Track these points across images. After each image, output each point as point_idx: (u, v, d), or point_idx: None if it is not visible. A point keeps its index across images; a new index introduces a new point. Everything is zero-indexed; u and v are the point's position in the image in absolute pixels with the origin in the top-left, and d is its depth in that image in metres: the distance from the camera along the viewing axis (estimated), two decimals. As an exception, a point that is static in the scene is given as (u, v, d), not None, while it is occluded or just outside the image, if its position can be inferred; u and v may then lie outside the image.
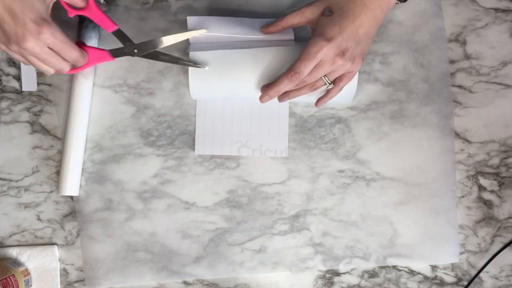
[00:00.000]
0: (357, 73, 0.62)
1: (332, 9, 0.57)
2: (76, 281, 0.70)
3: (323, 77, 0.59)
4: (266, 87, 0.61)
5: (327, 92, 0.62)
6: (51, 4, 0.57)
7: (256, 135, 0.69)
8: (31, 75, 0.70)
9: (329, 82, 0.60)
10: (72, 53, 0.58)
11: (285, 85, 0.59)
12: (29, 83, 0.70)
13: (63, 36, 0.56)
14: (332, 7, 0.58)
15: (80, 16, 0.67)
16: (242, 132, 0.69)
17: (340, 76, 0.60)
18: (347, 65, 0.58)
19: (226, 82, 0.63)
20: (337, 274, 0.70)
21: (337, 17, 0.57)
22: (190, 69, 0.63)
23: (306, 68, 0.57)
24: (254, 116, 0.69)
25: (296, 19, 0.60)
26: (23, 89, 0.70)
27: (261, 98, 0.61)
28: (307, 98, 0.65)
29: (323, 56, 0.56)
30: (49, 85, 0.70)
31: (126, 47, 0.63)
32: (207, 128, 0.69)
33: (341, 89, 0.62)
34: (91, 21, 0.67)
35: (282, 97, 0.62)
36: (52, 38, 0.54)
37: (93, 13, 0.60)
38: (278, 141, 0.69)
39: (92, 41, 0.67)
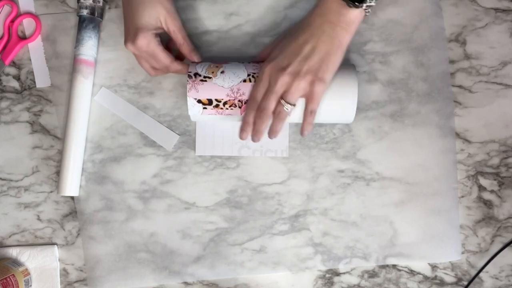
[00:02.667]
0: (356, 93, 0.61)
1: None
2: (76, 281, 0.70)
3: (281, 100, 0.60)
4: (242, 125, 0.63)
5: (304, 118, 0.62)
6: (161, 25, 0.63)
7: None
8: (44, 71, 0.70)
9: (286, 103, 0.60)
10: (160, 62, 0.64)
11: (250, 115, 0.61)
12: (42, 80, 0.70)
13: (156, 47, 0.63)
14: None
15: (80, 16, 0.67)
16: None
17: (307, 100, 0.60)
18: (299, 82, 0.59)
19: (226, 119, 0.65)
20: (337, 274, 0.70)
21: (281, 42, 0.63)
22: (190, 110, 0.63)
23: (258, 93, 0.61)
24: None
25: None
26: (37, 86, 0.70)
27: (240, 135, 0.63)
28: (344, 120, 0.64)
29: (268, 76, 0.60)
30: (50, 85, 0.70)
31: None
32: (208, 129, 0.69)
33: (314, 114, 0.61)
34: (91, 21, 0.67)
35: (269, 135, 0.63)
36: (144, 47, 0.62)
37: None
38: (278, 141, 0.69)
39: (92, 41, 0.68)
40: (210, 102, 0.62)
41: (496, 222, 0.69)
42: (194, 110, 0.63)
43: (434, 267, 0.69)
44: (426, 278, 0.69)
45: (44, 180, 0.70)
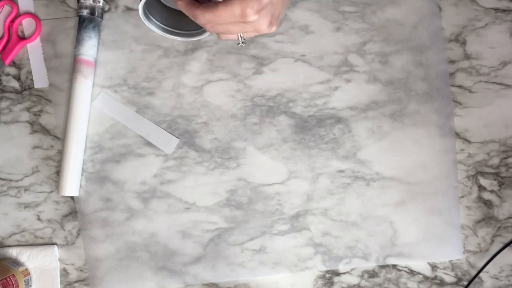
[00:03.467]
0: None
1: None
2: (76, 281, 0.70)
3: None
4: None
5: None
6: None
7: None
8: (42, 72, 0.70)
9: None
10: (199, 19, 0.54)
11: (202, 19, 0.52)
12: (40, 80, 0.70)
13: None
14: None
15: (80, 16, 0.67)
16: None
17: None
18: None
19: None
20: (337, 274, 0.70)
21: None
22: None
23: (222, 19, 0.52)
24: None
25: None
26: (35, 86, 0.70)
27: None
28: None
29: (251, 16, 0.51)
30: (50, 85, 0.70)
31: None
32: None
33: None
34: (91, 21, 0.67)
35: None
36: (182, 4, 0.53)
37: None
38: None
39: (92, 41, 0.68)
40: None
41: (496, 222, 0.69)
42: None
43: (434, 267, 0.69)
44: (426, 278, 0.69)
45: (44, 180, 0.70)
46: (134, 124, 0.69)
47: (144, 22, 0.60)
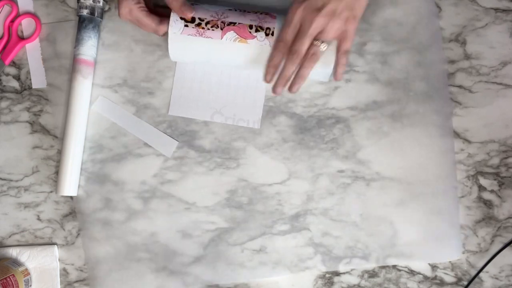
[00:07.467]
0: (334, 52, 0.60)
1: None
2: (76, 281, 0.70)
3: (314, 41, 0.59)
4: (268, 68, 0.61)
5: (338, 60, 0.60)
6: None
7: (231, 103, 0.69)
8: (40, 72, 0.70)
9: (321, 42, 0.59)
10: (147, 27, 0.64)
11: (277, 57, 0.60)
12: (38, 80, 0.70)
13: (139, 13, 0.63)
14: None
15: (80, 16, 0.67)
16: (217, 99, 0.69)
17: (340, 40, 0.59)
18: (334, 23, 0.57)
19: (205, 47, 0.63)
20: (337, 274, 0.70)
21: None
22: (171, 28, 0.62)
23: (287, 34, 0.59)
24: (231, 85, 0.69)
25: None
26: (33, 87, 0.70)
27: (265, 77, 0.61)
28: (323, 75, 0.64)
29: (300, 18, 0.57)
30: (49, 85, 0.70)
31: None
32: (185, 91, 0.69)
33: (347, 53, 0.60)
34: (91, 21, 0.67)
35: (294, 83, 0.61)
36: (128, 15, 0.63)
37: None
38: (252, 112, 0.69)
39: (91, 41, 0.67)
40: (193, 20, 0.62)
41: (496, 222, 0.69)
42: (175, 28, 0.62)
43: (434, 267, 0.69)
44: (426, 278, 0.69)
45: (44, 180, 0.70)
46: (133, 127, 0.69)
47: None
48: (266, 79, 0.62)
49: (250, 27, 0.62)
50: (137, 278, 0.69)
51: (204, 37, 0.62)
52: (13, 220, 0.70)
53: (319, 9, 0.57)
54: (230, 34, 0.62)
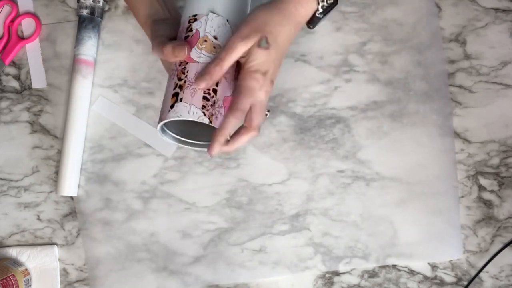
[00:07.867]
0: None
1: (268, 41, 0.53)
2: (76, 281, 0.70)
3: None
4: (215, 135, 0.54)
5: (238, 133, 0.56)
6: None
7: None
8: (40, 72, 0.70)
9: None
10: (158, 54, 0.58)
11: (233, 125, 0.54)
12: (38, 81, 0.70)
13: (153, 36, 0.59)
14: (268, 37, 0.53)
15: (80, 16, 0.67)
16: None
17: (250, 111, 0.54)
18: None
19: None
20: (337, 274, 0.70)
21: (273, 52, 0.54)
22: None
23: (247, 105, 0.54)
24: None
25: (232, 58, 0.53)
26: (33, 87, 0.70)
27: (210, 150, 0.54)
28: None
29: (257, 88, 0.53)
30: (49, 85, 0.70)
31: None
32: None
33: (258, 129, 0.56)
34: (91, 21, 0.67)
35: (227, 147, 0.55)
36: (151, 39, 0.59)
37: None
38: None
39: (91, 41, 0.68)
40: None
41: (496, 222, 0.69)
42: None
43: (434, 267, 0.69)
44: (426, 278, 0.69)
45: (44, 180, 0.70)
46: (133, 127, 0.69)
47: (161, 137, 0.58)
48: (213, 153, 0.54)
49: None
50: (137, 278, 0.69)
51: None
52: (13, 220, 0.71)
53: (272, 81, 0.55)
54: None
